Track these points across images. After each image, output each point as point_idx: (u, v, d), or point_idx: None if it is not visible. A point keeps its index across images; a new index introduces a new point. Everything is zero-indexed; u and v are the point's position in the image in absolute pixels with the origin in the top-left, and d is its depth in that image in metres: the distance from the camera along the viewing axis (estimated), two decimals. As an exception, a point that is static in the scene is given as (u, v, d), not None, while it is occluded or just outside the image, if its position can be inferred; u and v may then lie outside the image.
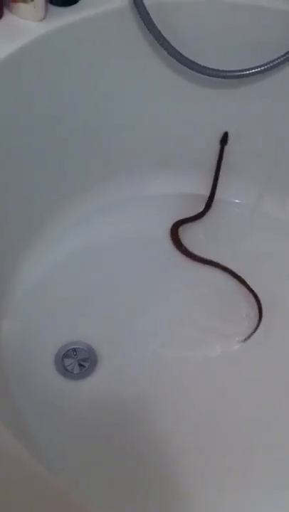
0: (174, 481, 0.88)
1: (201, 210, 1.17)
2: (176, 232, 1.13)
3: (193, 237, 1.15)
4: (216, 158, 1.17)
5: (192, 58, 0.97)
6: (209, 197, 1.18)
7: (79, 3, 0.95)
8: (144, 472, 0.89)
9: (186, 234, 1.15)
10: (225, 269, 1.10)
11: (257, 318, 1.04)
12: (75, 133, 1.05)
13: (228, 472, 0.90)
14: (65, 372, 0.98)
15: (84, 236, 1.14)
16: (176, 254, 1.13)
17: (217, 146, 1.16)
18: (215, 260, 1.10)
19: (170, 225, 1.15)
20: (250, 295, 1.07)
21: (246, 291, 1.07)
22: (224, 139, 1.15)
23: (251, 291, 1.07)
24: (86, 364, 0.99)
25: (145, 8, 0.93)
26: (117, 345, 1.01)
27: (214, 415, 0.95)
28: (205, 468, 0.90)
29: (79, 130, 1.06)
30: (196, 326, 1.05)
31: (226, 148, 1.16)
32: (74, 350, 1.00)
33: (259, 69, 0.97)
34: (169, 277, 1.10)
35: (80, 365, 0.99)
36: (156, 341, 1.03)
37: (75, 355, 0.99)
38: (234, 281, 1.09)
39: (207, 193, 1.19)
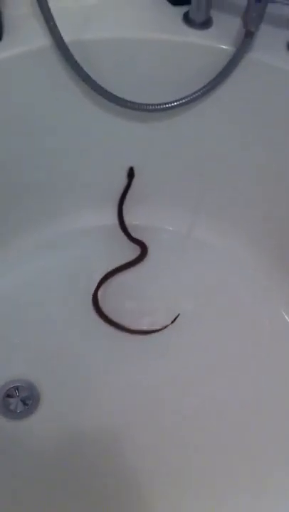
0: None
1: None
2: (96, 297, 1.11)
3: (131, 277, 1.16)
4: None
5: (115, 93, 0.99)
6: (132, 239, 1.19)
7: (0, 43, 0.95)
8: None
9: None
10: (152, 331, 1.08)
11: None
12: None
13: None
14: (8, 412, 0.97)
15: (17, 274, 1.14)
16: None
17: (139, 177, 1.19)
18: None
19: (103, 256, 1.16)
20: None
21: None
22: (131, 174, 1.17)
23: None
24: (29, 401, 0.98)
25: (66, 46, 0.94)
26: (57, 379, 1.02)
27: (168, 444, 0.97)
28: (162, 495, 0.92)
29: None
30: (137, 352, 1.06)
31: (151, 175, 1.18)
32: (16, 388, 0.99)
33: (179, 102, 1.00)
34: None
35: (24, 403, 0.98)
36: (98, 371, 1.03)
37: (17, 393, 0.99)
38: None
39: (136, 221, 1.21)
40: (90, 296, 1.11)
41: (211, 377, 1.04)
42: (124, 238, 1.19)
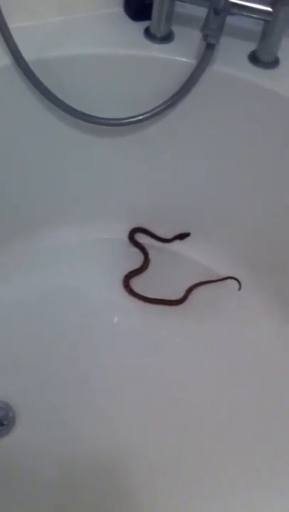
0: None
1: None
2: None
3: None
4: None
5: (79, 108, 0.99)
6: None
7: None
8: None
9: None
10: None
11: None
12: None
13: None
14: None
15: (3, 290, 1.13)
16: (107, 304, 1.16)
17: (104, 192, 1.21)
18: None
19: (97, 273, 1.19)
20: None
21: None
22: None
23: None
24: (5, 421, 0.97)
25: (27, 65, 0.94)
26: (33, 399, 1.01)
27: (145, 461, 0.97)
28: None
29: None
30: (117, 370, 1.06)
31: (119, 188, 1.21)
32: (-9, 409, 0.99)
33: (143, 116, 1.01)
34: (84, 325, 1.12)
35: (1, 423, 0.97)
36: (76, 391, 1.03)
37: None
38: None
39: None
40: (71, 314, 1.12)
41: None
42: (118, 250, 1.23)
